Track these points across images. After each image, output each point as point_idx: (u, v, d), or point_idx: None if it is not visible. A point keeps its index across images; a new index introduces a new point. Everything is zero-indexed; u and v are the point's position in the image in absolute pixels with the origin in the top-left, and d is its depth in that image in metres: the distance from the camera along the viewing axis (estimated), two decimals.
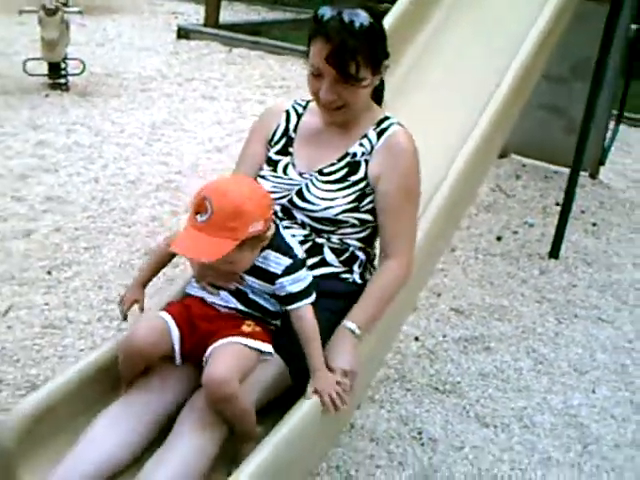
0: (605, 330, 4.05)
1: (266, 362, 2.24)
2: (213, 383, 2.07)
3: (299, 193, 2.41)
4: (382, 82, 2.58)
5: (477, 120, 3.13)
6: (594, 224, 5.39)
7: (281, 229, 2.26)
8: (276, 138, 2.54)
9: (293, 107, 2.59)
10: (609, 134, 6.16)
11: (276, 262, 2.19)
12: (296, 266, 2.19)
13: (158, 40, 9.20)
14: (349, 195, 2.39)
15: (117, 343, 2.26)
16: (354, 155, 2.43)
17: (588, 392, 3.50)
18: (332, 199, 2.38)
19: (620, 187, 6.16)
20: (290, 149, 2.50)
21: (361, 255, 2.48)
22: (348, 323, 2.31)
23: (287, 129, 2.54)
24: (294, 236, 2.35)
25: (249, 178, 2.41)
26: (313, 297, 2.20)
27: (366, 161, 2.42)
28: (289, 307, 2.18)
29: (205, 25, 9.48)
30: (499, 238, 5.00)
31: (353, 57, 2.27)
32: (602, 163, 6.07)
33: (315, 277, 2.29)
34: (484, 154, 3.16)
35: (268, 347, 2.24)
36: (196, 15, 10.70)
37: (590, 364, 3.72)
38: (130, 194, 4.96)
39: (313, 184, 2.41)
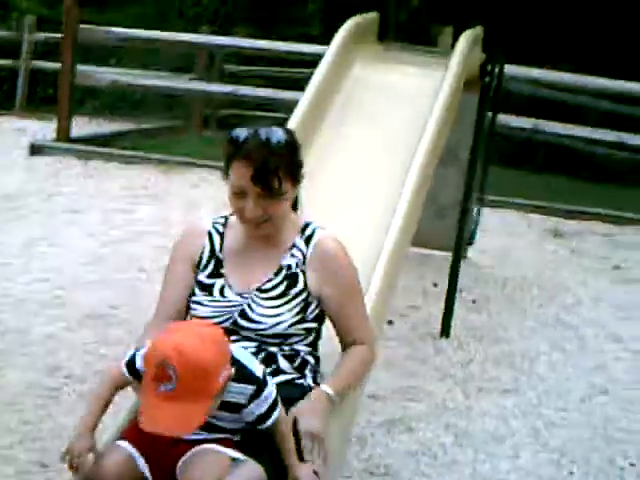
0: (510, 399, 4.24)
1: (239, 468, 2.13)
2: None
3: (242, 314, 2.39)
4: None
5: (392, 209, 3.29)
6: (473, 301, 5.66)
7: (233, 352, 2.11)
8: (204, 261, 2.50)
9: (213, 227, 2.56)
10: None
11: (239, 392, 2.09)
12: (260, 388, 2.10)
13: (9, 157, 9.07)
14: (294, 308, 2.41)
15: None
16: (289, 267, 2.46)
17: (512, 458, 3.65)
18: (278, 315, 2.39)
19: (487, 264, 6.50)
20: (222, 270, 2.47)
21: (310, 359, 2.49)
22: (325, 387, 2.34)
23: (213, 250, 2.51)
24: (246, 348, 2.30)
25: (194, 322, 2.35)
26: (279, 404, 2.15)
27: (302, 271, 2.45)
28: (261, 427, 2.13)
29: (57, 140, 9.41)
30: (390, 322, 5.15)
31: (275, 174, 2.35)
32: (470, 243, 6.39)
33: None
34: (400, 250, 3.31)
35: (237, 453, 2.16)
36: (41, 131, 10.60)
37: (506, 432, 3.89)
38: (20, 313, 4.82)
39: (255, 303, 2.40)
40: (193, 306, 2.44)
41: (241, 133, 2.39)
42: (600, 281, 6.34)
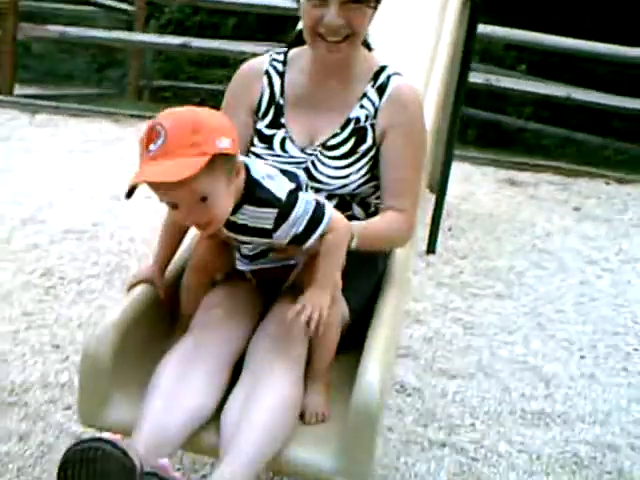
0: (507, 302, 4.28)
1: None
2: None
3: (307, 172, 2.19)
4: None
5: None
6: (449, 228, 5.67)
7: (252, 173, 1.93)
8: (263, 108, 2.31)
9: (271, 65, 2.34)
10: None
11: (261, 217, 1.93)
12: (285, 210, 1.91)
13: None
14: (362, 168, 2.23)
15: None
16: (357, 121, 2.24)
17: (525, 345, 3.71)
18: (346, 176, 2.21)
19: (455, 203, 6.52)
20: (282, 120, 2.27)
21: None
22: (353, 226, 2.09)
23: (273, 95, 2.31)
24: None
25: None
26: (327, 217, 1.93)
27: (372, 125, 2.24)
28: (305, 246, 1.95)
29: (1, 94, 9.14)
30: None
31: None
32: None
33: None
34: None
35: None
36: None
37: (513, 326, 3.94)
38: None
39: (320, 162, 2.22)
40: (253, 158, 2.21)
41: None
42: (564, 219, 6.44)
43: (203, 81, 13.14)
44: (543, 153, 12.24)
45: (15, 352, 3.17)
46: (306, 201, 1.93)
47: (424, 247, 5.04)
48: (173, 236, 2.21)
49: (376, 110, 2.24)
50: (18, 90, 9.80)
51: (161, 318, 2.15)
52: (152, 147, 1.73)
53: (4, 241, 4.42)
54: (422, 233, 5.09)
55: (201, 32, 12.74)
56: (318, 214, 1.93)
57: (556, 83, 9.77)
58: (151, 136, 1.74)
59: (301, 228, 1.91)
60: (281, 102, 2.29)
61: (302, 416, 1.97)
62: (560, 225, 6.21)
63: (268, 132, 2.28)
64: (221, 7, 10.82)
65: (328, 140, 2.23)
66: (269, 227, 1.92)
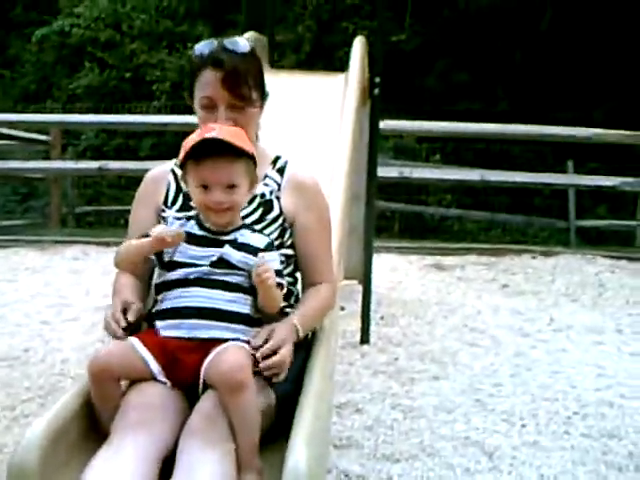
0: (444, 383, 4.28)
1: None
2: (228, 369, 2.03)
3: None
4: None
5: None
6: (382, 317, 5.71)
7: None
8: (171, 197, 2.49)
9: (175, 165, 2.53)
10: None
11: (255, 239, 2.26)
12: (272, 248, 2.29)
13: None
14: (272, 233, 2.40)
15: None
16: (263, 195, 2.44)
17: (466, 422, 3.71)
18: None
19: (384, 292, 6.57)
20: (191, 203, 2.39)
21: (294, 289, 2.50)
22: (295, 320, 2.29)
23: (179, 186, 2.48)
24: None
25: None
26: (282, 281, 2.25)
27: (277, 198, 2.45)
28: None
29: None
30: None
31: (245, 79, 2.39)
32: None
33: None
34: None
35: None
36: None
37: (452, 405, 3.92)
38: None
39: None
40: None
41: (205, 46, 2.43)
42: (493, 297, 6.55)
43: (125, 202, 13.15)
44: (469, 238, 12.55)
45: None
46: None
47: (358, 338, 5.05)
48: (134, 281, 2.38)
49: (278, 185, 2.48)
50: None
51: (91, 422, 2.11)
52: (208, 134, 2.16)
53: None
54: (355, 324, 5.12)
55: (119, 156, 12.87)
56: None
57: (470, 168, 10.04)
58: (205, 131, 2.18)
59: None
60: (188, 191, 2.39)
61: None
62: (490, 303, 6.31)
63: (180, 215, 2.39)
64: (135, 129, 10.96)
65: (244, 221, 2.35)
66: (261, 247, 2.25)
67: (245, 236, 2.26)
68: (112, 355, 2.12)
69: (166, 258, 2.25)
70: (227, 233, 2.25)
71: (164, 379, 2.14)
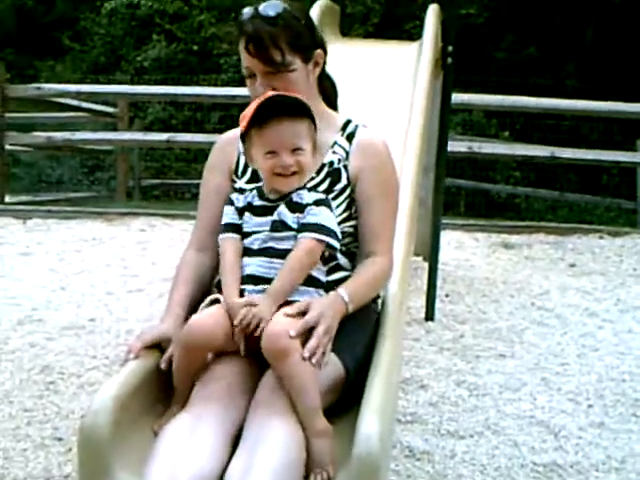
0: (510, 361, 4.24)
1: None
2: (267, 338, 2.04)
3: None
4: (334, 86, 2.63)
5: None
6: (447, 295, 5.66)
7: None
8: (241, 167, 2.47)
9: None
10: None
11: (307, 196, 2.25)
12: (326, 203, 2.26)
13: None
14: (340, 205, 2.35)
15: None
16: (331, 164, 2.39)
17: (531, 401, 3.68)
18: None
19: (450, 269, 6.53)
20: (259, 174, 2.36)
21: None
22: (342, 292, 2.21)
23: None
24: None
25: None
26: (320, 236, 2.20)
27: (345, 166, 2.39)
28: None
29: None
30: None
31: (272, 42, 2.28)
32: None
33: (331, 282, 2.28)
34: None
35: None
36: None
37: (517, 384, 3.89)
38: None
39: None
40: None
41: (244, 13, 2.36)
42: (561, 276, 6.44)
43: (192, 176, 13.24)
44: (536, 216, 12.36)
45: (17, 448, 3.13)
46: (332, 217, 2.27)
47: (422, 315, 5.02)
48: (194, 275, 2.38)
49: (347, 153, 2.41)
50: (9, 199, 9.89)
51: (158, 388, 2.15)
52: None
53: (1, 342, 4.40)
54: (420, 301, 5.10)
55: (186, 129, 12.91)
56: (323, 230, 2.22)
57: (540, 145, 9.87)
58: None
59: (312, 220, 2.21)
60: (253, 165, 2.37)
61: (306, 478, 1.95)
62: (557, 282, 6.20)
63: (249, 187, 2.38)
64: (202, 101, 11.00)
65: (306, 183, 2.32)
66: (310, 202, 2.23)
67: (300, 195, 2.25)
68: (206, 325, 2.13)
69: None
70: (284, 197, 2.26)
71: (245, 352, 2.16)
